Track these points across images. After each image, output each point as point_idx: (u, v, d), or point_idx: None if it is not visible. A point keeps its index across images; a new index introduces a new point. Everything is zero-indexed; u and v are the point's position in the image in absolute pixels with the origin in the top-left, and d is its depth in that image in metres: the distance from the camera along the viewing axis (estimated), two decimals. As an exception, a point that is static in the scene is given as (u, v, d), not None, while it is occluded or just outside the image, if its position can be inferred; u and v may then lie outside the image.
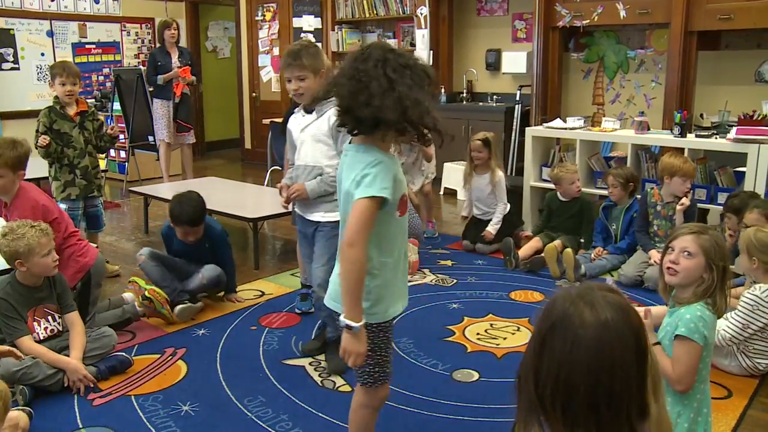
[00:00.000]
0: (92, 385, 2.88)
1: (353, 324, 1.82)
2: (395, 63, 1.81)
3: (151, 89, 7.05)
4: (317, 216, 2.99)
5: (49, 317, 2.98)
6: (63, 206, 4.17)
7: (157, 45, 7.11)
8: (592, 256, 4.45)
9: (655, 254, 4.08)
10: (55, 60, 8.22)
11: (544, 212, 4.93)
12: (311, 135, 2.98)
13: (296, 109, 3.10)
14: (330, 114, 2.84)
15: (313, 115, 2.98)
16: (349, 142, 1.97)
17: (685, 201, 4.08)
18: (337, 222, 2.62)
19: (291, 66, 2.89)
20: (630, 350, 1.13)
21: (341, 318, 1.84)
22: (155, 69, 6.78)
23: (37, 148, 4.09)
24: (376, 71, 1.79)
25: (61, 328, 3.02)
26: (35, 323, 2.93)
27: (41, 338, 2.93)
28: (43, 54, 8.26)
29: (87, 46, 8.67)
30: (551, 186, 5.13)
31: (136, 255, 3.93)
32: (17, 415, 2.36)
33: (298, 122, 3.05)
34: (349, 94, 1.82)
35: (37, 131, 4.13)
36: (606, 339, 1.12)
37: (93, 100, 8.53)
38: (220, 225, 3.99)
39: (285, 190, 3.04)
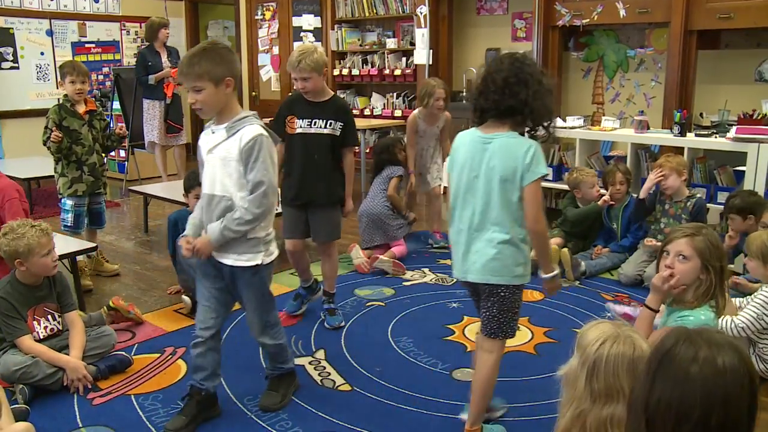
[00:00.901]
0: (90, 386, 2.87)
1: (553, 273, 2.36)
2: (540, 68, 2.27)
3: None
4: (230, 260, 2.49)
5: (49, 316, 2.98)
6: (69, 202, 4.19)
7: (146, 44, 7.00)
8: (593, 255, 4.45)
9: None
10: (54, 59, 8.24)
11: (562, 219, 4.77)
12: (220, 158, 2.42)
13: (207, 123, 2.54)
14: (243, 134, 2.39)
15: (222, 133, 2.42)
16: (482, 133, 2.28)
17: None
18: (255, 266, 2.49)
19: (183, 75, 2.39)
20: (746, 393, 1.15)
21: (543, 275, 2.36)
22: (145, 69, 6.68)
23: (46, 145, 4.11)
24: (532, 69, 2.21)
25: (60, 327, 3.02)
26: (35, 322, 2.93)
27: (41, 337, 2.93)
28: (42, 53, 8.26)
29: (86, 45, 8.67)
30: (550, 186, 5.13)
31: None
32: (25, 428, 2.36)
33: (206, 140, 2.49)
34: (506, 84, 2.19)
35: (46, 127, 4.13)
36: (723, 378, 1.14)
37: (93, 99, 8.54)
38: None
39: (185, 243, 2.45)
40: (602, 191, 4.65)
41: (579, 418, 1.59)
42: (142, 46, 6.76)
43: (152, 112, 6.79)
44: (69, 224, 4.21)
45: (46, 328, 2.96)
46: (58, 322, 3.02)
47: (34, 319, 2.93)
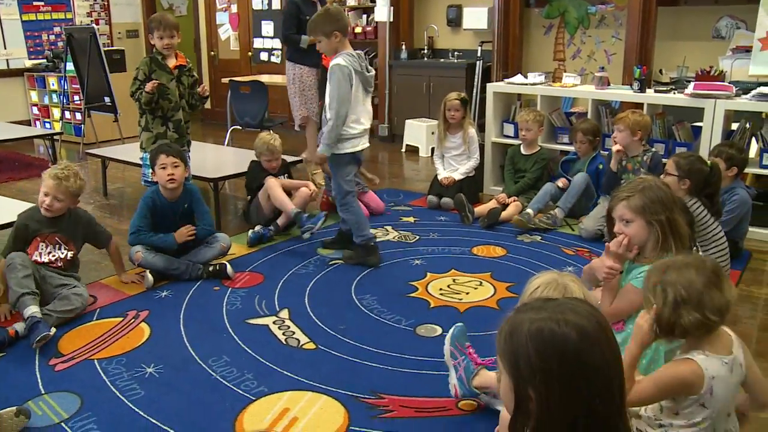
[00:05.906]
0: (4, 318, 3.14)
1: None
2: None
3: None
4: None
5: (57, 246, 3.27)
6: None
7: None
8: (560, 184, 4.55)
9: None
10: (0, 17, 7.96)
11: (507, 168, 4.97)
12: None
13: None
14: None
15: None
16: None
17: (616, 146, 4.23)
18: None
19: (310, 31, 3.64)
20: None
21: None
22: (298, 24, 5.27)
23: (134, 96, 4.13)
24: None
25: (63, 261, 3.28)
26: (42, 243, 3.22)
27: (42, 260, 3.21)
28: (-13, 11, 7.94)
29: (35, 3, 8.33)
30: (513, 142, 5.17)
31: (131, 255, 3.63)
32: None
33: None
34: None
35: (135, 78, 4.16)
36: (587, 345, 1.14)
37: (45, 60, 8.25)
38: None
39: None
40: (545, 145, 4.91)
41: None
42: (106, 4, 5.89)
43: (305, 81, 5.42)
44: (149, 179, 4.16)
45: (50, 254, 3.25)
46: (63, 255, 3.28)
47: (42, 241, 3.22)
